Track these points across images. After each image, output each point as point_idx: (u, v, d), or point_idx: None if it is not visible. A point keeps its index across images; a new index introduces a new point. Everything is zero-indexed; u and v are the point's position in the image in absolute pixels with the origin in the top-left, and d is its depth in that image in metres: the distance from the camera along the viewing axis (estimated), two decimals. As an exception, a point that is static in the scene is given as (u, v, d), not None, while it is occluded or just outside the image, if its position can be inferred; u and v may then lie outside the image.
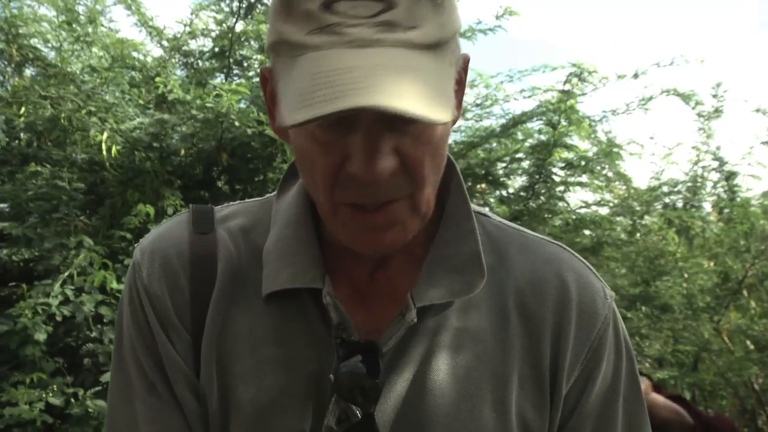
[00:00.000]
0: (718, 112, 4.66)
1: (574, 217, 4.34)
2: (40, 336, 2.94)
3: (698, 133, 4.74)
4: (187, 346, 0.90)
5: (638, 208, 4.75)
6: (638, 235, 4.86)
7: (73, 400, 3.04)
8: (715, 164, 4.79)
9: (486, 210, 1.00)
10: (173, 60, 4.36)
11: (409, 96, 0.68)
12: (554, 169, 4.04)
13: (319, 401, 0.86)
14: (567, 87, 3.78)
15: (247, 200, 1.02)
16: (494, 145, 4.43)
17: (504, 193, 4.29)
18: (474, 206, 0.95)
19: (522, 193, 4.10)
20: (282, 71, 0.77)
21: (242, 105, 3.55)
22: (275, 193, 0.98)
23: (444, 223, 0.90)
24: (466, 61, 0.84)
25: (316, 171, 0.79)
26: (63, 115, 3.08)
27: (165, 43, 4.31)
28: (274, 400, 0.87)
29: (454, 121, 0.85)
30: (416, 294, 0.86)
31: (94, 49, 3.91)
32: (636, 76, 4.07)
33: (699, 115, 4.65)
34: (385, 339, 0.85)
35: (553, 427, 0.89)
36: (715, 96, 4.68)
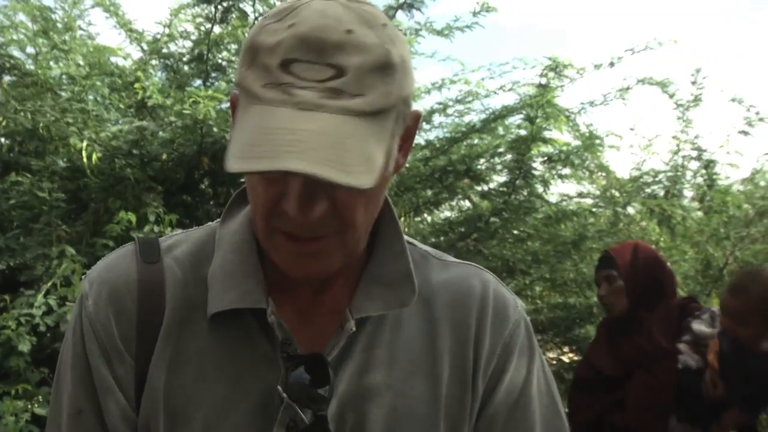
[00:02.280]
0: (697, 100, 4.67)
1: (555, 209, 4.35)
2: (24, 347, 2.91)
3: (677, 122, 4.75)
4: (130, 372, 0.95)
5: (620, 199, 4.76)
6: (621, 225, 4.87)
7: (59, 409, 3.02)
8: (695, 153, 4.81)
9: (413, 240, 1.11)
10: (153, 62, 4.33)
11: (337, 164, 0.73)
12: (534, 164, 4.05)
13: (267, 413, 0.93)
14: (543, 81, 3.80)
15: (189, 229, 1.08)
16: (476, 141, 4.44)
17: (485, 188, 4.28)
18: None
19: (503, 189, 4.11)
20: (239, 113, 0.84)
21: (223, 106, 3.53)
22: (218, 220, 1.04)
23: (377, 247, 1.01)
24: (416, 117, 0.93)
25: (257, 199, 0.87)
26: (41, 125, 3.06)
27: (144, 46, 4.27)
28: (223, 417, 0.93)
29: (398, 169, 0.94)
30: (354, 307, 0.96)
31: (72, 57, 3.88)
32: (612, 64, 4.09)
33: (677, 104, 4.66)
34: (328, 349, 0.95)
35: (473, 416, 1.00)
36: (694, 83, 4.68)
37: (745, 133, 4.77)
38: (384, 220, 1.02)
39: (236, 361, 0.95)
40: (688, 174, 4.93)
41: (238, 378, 0.95)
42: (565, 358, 5.13)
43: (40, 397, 2.95)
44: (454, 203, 4.81)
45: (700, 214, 4.96)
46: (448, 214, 4.82)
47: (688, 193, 5.13)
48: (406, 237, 1.06)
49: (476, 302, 1.04)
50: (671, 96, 4.53)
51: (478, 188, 4.32)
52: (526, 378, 1.04)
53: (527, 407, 1.03)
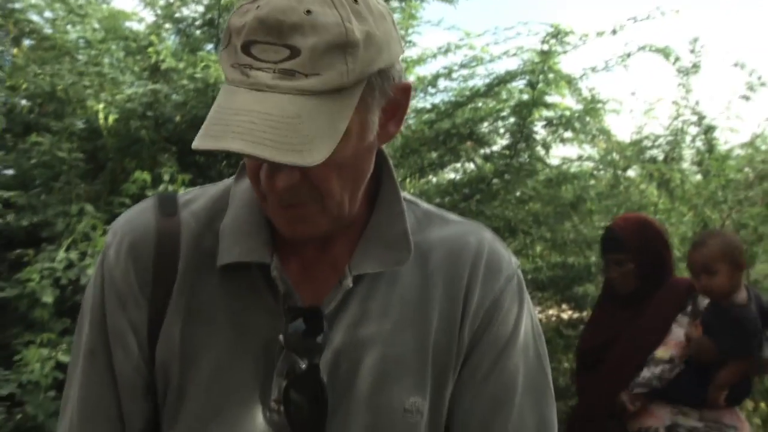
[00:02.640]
0: (696, 67, 4.72)
1: (556, 172, 4.44)
2: (48, 299, 3.07)
3: (678, 88, 4.81)
4: (144, 318, 1.01)
5: (620, 162, 4.85)
6: (621, 187, 4.97)
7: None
8: (694, 118, 4.86)
9: (416, 198, 1.14)
10: (166, 26, 4.42)
11: (277, 143, 0.79)
12: (535, 128, 4.14)
13: (269, 360, 0.99)
14: (545, 47, 3.86)
15: (206, 185, 1.14)
16: (479, 104, 4.52)
17: (488, 151, 4.38)
18: (406, 195, 1.10)
19: (505, 152, 4.20)
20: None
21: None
22: (234, 177, 1.09)
23: (377, 208, 1.04)
24: (404, 88, 0.95)
25: (248, 167, 0.95)
26: (60, 87, 3.17)
27: (158, 10, 4.36)
28: (230, 362, 0.99)
29: (388, 138, 0.98)
30: (352, 265, 1.00)
31: (88, 21, 3.97)
32: (614, 32, 4.15)
33: (678, 70, 4.72)
34: (326, 303, 1.00)
35: (458, 363, 1.03)
36: (692, 51, 4.73)
37: (747, 98, 4.83)
38: (384, 183, 1.06)
39: (243, 311, 1.01)
40: (688, 139, 5.00)
41: (243, 327, 1.00)
42: (564, 315, 5.26)
43: (63, 345, 3.11)
44: (458, 165, 4.92)
45: (699, 177, 5.04)
46: (452, 175, 4.93)
47: (687, 157, 5.19)
48: (411, 197, 1.12)
49: (470, 257, 1.06)
50: (675, 62, 4.58)
51: (482, 151, 4.41)
52: (512, 332, 1.05)
53: (509, 359, 1.04)
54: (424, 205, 1.14)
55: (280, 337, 0.98)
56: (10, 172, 3.86)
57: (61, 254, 3.19)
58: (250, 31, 0.83)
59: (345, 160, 0.89)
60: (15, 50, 3.89)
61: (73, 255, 3.22)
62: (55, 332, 3.13)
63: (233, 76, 0.84)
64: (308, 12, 0.82)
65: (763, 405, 4.49)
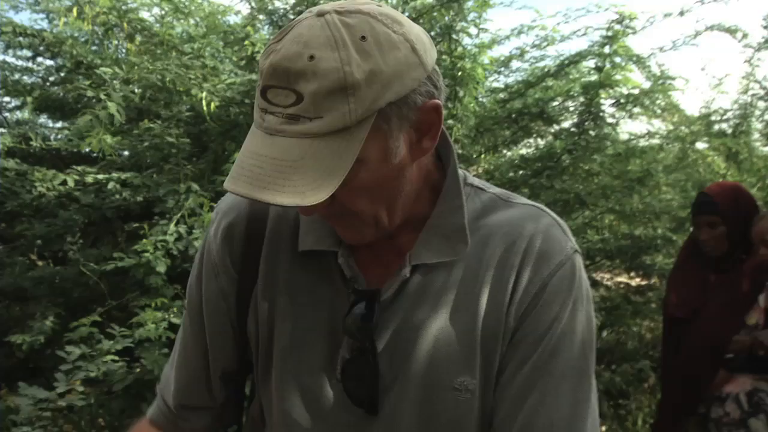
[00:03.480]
0: (767, 42, 4.57)
1: (624, 147, 4.41)
2: (161, 267, 3.28)
3: (746, 64, 4.67)
4: (233, 288, 1.11)
5: (688, 136, 4.77)
6: (689, 160, 4.89)
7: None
8: (762, 93, 4.72)
9: (485, 184, 1.13)
10: (260, 17, 4.56)
11: (279, 186, 0.83)
12: (603, 107, 4.11)
13: (336, 340, 1.05)
14: (610, 33, 3.83)
15: None
16: (550, 84, 4.52)
17: (557, 128, 4.39)
18: (475, 180, 1.12)
19: (573, 129, 4.21)
20: None
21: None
22: None
23: (439, 202, 1.05)
24: (431, 108, 0.93)
25: None
26: (168, 79, 3.36)
27: (252, 3, 4.51)
28: (304, 335, 1.07)
29: (425, 152, 0.98)
30: (413, 254, 1.03)
31: (191, 17, 4.16)
32: (681, 14, 4.06)
33: (747, 46, 4.59)
34: (386, 289, 1.04)
35: (504, 346, 1.03)
36: (766, 27, 4.58)
37: (816, 71, 4.66)
38: (448, 178, 1.06)
39: (317, 290, 1.07)
40: (757, 113, 4.86)
41: (316, 305, 1.07)
42: (632, 283, 5.25)
43: (174, 308, 3.33)
44: (530, 141, 4.94)
45: (767, 150, 4.92)
46: (524, 151, 4.95)
47: (757, 129, 5.05)
48: (479, 182, 1.12)
49: (524, 242, 1.04)
50: (742, 38, 4.45)
51: (552, 128, 4.42)
52: (557, 316, 1.02)
53: (551, 343, 1.01)
54: (492, 189, 1.12)
55: (345, 319, 1.03)
56: (125, 153, 4.12)
57: (172, 228, 3.40)
58: (266, 77, 0.86)
59: (368, 184, 0.92)
60: (129, 45, 4.11)
61: (182, 229, 3.43)
62: (167, 297, 3.35)
63: (256, 118, 0.89)
64: (311, 57, 0.83)
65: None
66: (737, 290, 2.84)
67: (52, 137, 4.77)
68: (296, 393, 1.07)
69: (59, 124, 5.21)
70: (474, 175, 1.15)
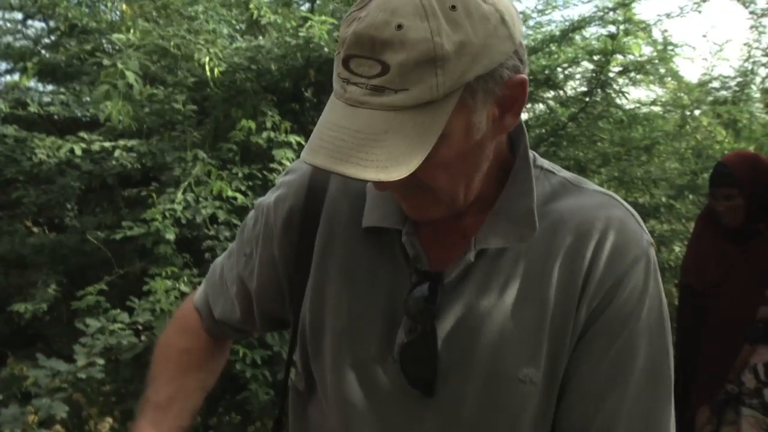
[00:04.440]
0: (772, 9, 4.57)
1: (628, 114, 4.41)
2: (170, 236, 3.25)
3: (750, 30, 4.67)
4: (284, 253, 1.14)
5: (688, 103, 4.78)
6: (688, 128, 4.91)
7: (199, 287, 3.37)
8: (765, 60, 4.73)
9: (555, 167, 1.10)
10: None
11: (361, 160, 0.81)
12: (611, 75, 4.09)
13: (395, 317, 1.03)
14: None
15: None
16: (554, 50, 4.48)
17: (562, 94, 4.37)
18: (545, 163, 1.08)
19: (580, 97, 4.19)
20: None
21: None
22: None
23: (508, 184, 1.02)
24: (516, 83, 0.90)
25: None
26: (172, 44, 3.29)
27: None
28: (362, 312, 1.06)
29: (506, 129, 0.95)
30: (478, 238, 1.00)
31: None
32: (687, -21, 4.04)
33: (752, 13, 4.57)
34: (449, 272, 1.01)
35: (573, 340, 1.00)
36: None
37: (818, 39, 4.66)
38: (518, 160, 1.03)
39: (376, 269, 1.05)
40: (758, 79, 4.88)
41: (376, 283, 1.05)
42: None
43: (184, 277, 3.30)
44: (529, 106, 4.89)
45: (767, 117, 4.94)
46: (525, 116, 4.92)
47: (757, 97, 5.07)
48: (550, 165, 1.08)
49: (597, 233, 0.99)
50: (748, 4, 4.44)
51: (552, 95, 4.39)
52: (633, 313, 0.99)
53: (629, 340, 0.98)
54: (563, 173, 1.08)
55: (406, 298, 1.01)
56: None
57: (179, 196, 3.36)
58: (349, 46, 0.83)
59: (450, 160, 0.90)
60: (124, 8, 4.01)
61: (190, 197, 3.39)
62: (177, 266, 3.33)
63: (336, 89, 0.86)
64: (399, 27, 0.80)
65: None
66: (758, 263, 2.84)
67: (45, 102, 4.66)
68: (351, 372, 1.06)
69: (49, 88, 5.09)
70: None
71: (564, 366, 1.00)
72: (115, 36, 3.19)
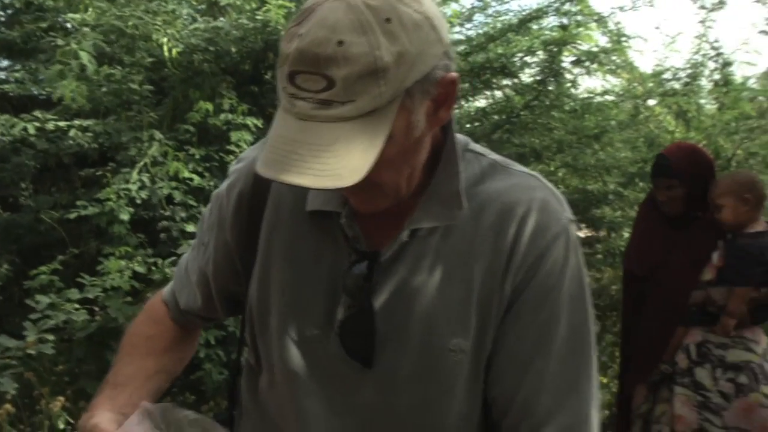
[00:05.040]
0: (721, 3, 4.68)
1: (581, 103, 4.50)
2: (124, 216, 3.27)
3: (700, 24, 4.78)
4: (235, 239, 1.18)
5: (641, 93, 4.89)
6: (641, 117, 5.02)
7: (153, 267, 3.40)
8: (713, 53, 4.85)
9: (486, 150, 1.15)
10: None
11: (317, 171, 0.86)
12: (564, 64, 4.18)
13: (335, 297, 1.08)
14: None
15: None
16: (512, 39, 4.54)
17: (517, 82, 4.44)
18: (476, 147, 1.14)
19: (534, 85, 4.26)
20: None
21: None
22: None
23: (439, 169, 1.07)
24: (449, 82, 0.95)
25: None
26: (130, 24, 3.27)
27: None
28: (305, 291, 1.11)
29: (441, 122, 1.00)
30: (411, 219, 1.05)
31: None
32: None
33: (701, 7, 4.69)
34: (384, 251, 1.06)
35: (500, 312, 1.06)
36: (717, -12, 4.69)
37: (766, 32, 4.80)
38: (447, 146, 1.07)
39: (319, 250, 1.10)
40: (706, 72, 5.00)
41: (318, 263, 1.10)
42: (582, 235, 5.41)
43: (138, 257, 3.32)
44: (490, 93, 4.97)
45: (714, 108, 5.08)
46: (483, 103, 4.99)
47: (706, 89, 5.20)
48: (480, 148, 1.14)
49: (520, 212, 1.05)
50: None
51: (509, 82, 4.46)
52: (556, 285, 1.04)
53: (552, 310, 1.04)
54: (492, 156, 1.14)
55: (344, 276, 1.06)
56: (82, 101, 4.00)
57: (135, 176, 3.36)
58: (293, 62, 0.86)
59: (394, 157, 0.94)
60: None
61: (145, 177, 3.40)
62: (131, 246, 3.34)
63: (284, 103, 0.90)
64: (340, 43, 0.84)
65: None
66: (696, 249, 2.96)
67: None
68: (296, 347, 1.11)
69: (5, 64, 5.01)
70: None
71: (491, 336, 1.06)
72: (70, 15, 3.15)
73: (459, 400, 1.08)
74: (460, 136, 1.12)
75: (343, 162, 0.86)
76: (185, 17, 4.00)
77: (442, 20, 0.95)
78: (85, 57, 2.82)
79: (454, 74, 0.96)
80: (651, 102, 5.11)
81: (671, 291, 2.95)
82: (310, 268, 1.11)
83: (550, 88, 4.21)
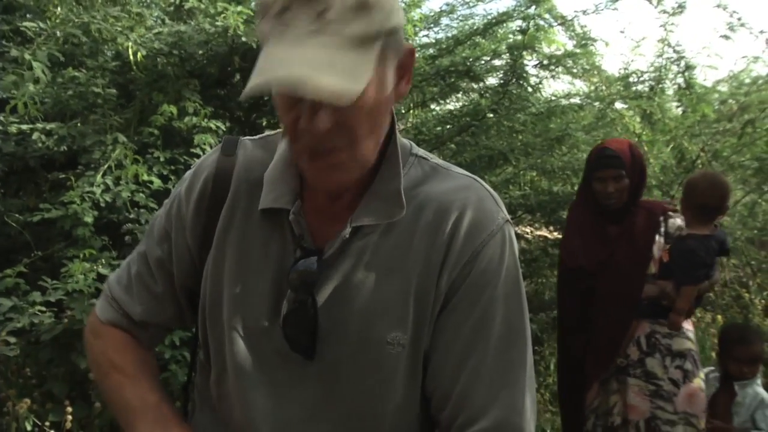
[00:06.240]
0: (681, 8, 4.77)
1: (546, 106, 4.56)
2: (88, 219, 3.26)
3: (662, 28, 4.86)
4: (196, 241, 1.21)
5: (607, 96, 4.96)
6: (607, 120, 5.10)
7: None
8: (675, 57, 4.92)
9: (429, 154, 1.21)
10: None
11: (324, 84, 0.87)
12: (527, 67, 4.24)
13: (282, 289, 1.13)
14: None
15: (268, 133, 1.28)
16: (478, 42, 4.60)
17: (482, 85, 4.49)
18: (421, 151, 1.20)
19: (498, 89, 4.32)
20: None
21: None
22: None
23: (382, 168, 1.12)
24: (409, 52, 1.06)
25: (284, 126, 1.04)
26: (94, 28, 3.29)
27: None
28: (254, 284, 1.16)
29: (400, 96, 1.08)
30: (354, 217, 1.11)
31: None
32: (607, -23, 4.20)
33: (662, 11, 4.77)
34: (328, 248, 1.12)
35: (436, 307, 1.11)
36: (677, -7, 4.78)
37: (727, 37, 4.90)
38: (390, 146, 1.13)
39: (268, 247, 1.15)
40: (670, 75, 5.08)
41: (267, 259, 1.14)
42: (550, 236, 5.48)
43: (102, 260, 3.31)
44: (459, 96, 5.03)
45: (679, 111, 5.16)
46: (451, 106, 5.05)
47: (671, 92, 5.29)
48: (423, 153, 1.20)
49: (456, 211, 1.10)
50: (658, 3, 4.62)
51: (476, 86, 4.51)
52: (491, 281, 1.10)
53: (488, 306, 1.09)
54: (435, 160, 1.20)
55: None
56: (47, 101, 4.01)
57: (99, 179, 3.38)
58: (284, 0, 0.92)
59: (371, 105, 0.99)
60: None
61: (109, 180, 3.41)
62: (95, 248, 3.35)
63: (275, 34, 0.93)
64: None
65: (719, 317, 4.75)
66: (638, 240, 3.05)
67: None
68: (244, 339, 1.16)
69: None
70: (402, 130, 1.24)
71: (428, 329, 1.11)
72: (26, 23, 3.16)
73: (398, 392, 1.13)
74: (405, 141, 1.19)
75: (337, 80, 0.88)
76: (154, 19, 4.04)
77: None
78: (38, 67, 2.83)
79: (412, 46, 1.07)
80: (618, 105, 5.19)
81: (621, 284, 3.03)
82: (260, 264, 1.15)
83: (513, 91, 4.26)
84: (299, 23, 0.91)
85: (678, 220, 3.10)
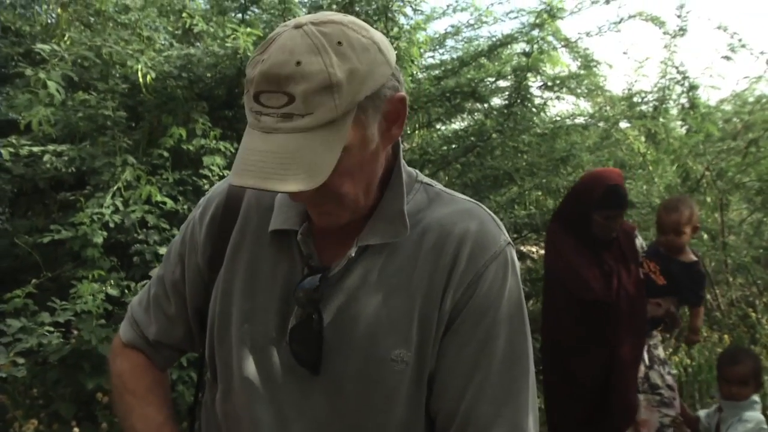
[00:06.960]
0: (682, 30, 4.81)
1: (551, 127, 4.60)
2: (98, 240, 3.30)
3: (665, 49, 4.90)
4: (207, 262, 1.26)
5: (611, 116, 4.99)
6: (612, 139, 5.12)
7: (126, 290, 3.42)
8: (679, 77, 4.96)
9: (433, 182, 1.26)
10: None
11: (282, 176, 0.95)
12: (532, 89, 4.27)
13: (290, 306, 1.17)
14: (538, 21, 3.97)
15: None
16: (483, 63, 4.64)
17: (487, 106, 4.53)
18: (425, 179, 1.25)
19: (504, 111, 4.35)
20: None
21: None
22: None
23: (387, 192, 1.17)
24: (399, 100, 1.07)
25: None
26: (104, 51, 3.34)
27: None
28: (261, 304, 1.19)
29: (393, 139, 1.11)
30: (360, 237, 1.15)
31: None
32: (607, 1, 4.24)
33: (665, 33, 4.81)
34: (334, 267, 1.15)
35: (440, 328, 1.14)
36: (678, 16, 4.83)
37: (728, 58, 4.93)
38: (395, 171, 1.18)
39: (277, 266, 1.19)
40: (674, 95, 5.11)
41: (276, 278, 1.18)
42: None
43: (111, 281, 3.34)
44: (464, 115, 5.06)
45: (683, 131, 5.19)
46: (457, 126, 5.08)
47: (675, 112, 5.32)
48: (428, 180, 1.25)
49: (459, 234, 1.14)
50: (661, 25, 4.67)
51: (480, 107, 4.55)
52: (494, 303, 1.13)
53: (491, 327, 1.12)
54: (439, 186, 1.24)
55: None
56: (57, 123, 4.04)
57: (108, 200, 3.41)
58: (257, 83, 0.97)
59: (352, 168, 1.04)
60: (59, 12, 4.04)
61: (118, 201, 3.44)
62: (104, 269, 3.37)
63: (251, 121, 1.00)
64: (298, 63, 0.94)
65: (726, 337, 4.74)
66: (630, 262, 3.10)
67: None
68: (252, 356, 1.19)
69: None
70: (407, 150, 1.27)
71: (432, 350, 1.14)
72: (40, 46, 3.21)
73: (401, 408, 1.15)
74: (410, 169, 1.24)
75: (305, 168, 0.95)
76: (162, 42, 4.08)
77: (389, 46, 1.07)
78: (53, 87, 2.88)
79: (402, 93, 1.08)
80: (622, 125, 5.22)
81: (634, 306, 3.04)
82: (268, 283, 1.19)
83: (518, 111, 4.30)
84: (270, 109, 0.96)
85: (640, 238, 3.21)
